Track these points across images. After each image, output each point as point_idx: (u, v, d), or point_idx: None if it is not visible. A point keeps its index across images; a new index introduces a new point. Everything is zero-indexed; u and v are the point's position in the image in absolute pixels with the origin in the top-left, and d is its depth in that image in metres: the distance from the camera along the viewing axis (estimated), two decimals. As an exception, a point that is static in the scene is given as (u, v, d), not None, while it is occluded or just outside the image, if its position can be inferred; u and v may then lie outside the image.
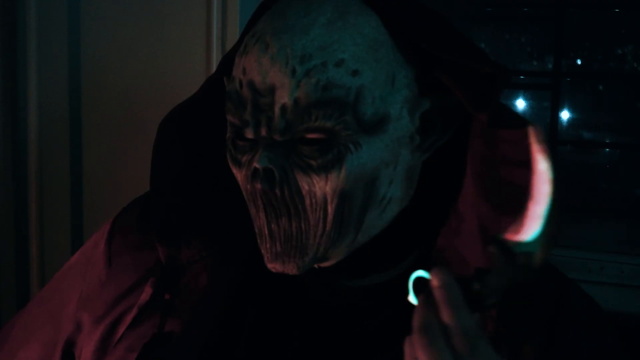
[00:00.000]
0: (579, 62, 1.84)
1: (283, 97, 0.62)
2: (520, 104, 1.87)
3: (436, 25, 0.68)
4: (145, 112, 1.41)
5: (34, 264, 1.49)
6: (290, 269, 0.65)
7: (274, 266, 0.66)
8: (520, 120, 0.64)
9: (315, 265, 0.68)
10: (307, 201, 0.64)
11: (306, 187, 0.63)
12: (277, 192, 0.63)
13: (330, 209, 0.64)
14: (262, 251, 0.66)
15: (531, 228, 0.56)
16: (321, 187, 0.63)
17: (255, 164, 0.63)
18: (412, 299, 0.57)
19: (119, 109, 1.44)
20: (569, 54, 1.81)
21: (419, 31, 0.67)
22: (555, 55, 1.76)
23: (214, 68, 1.34)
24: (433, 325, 0.55)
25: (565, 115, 1.84)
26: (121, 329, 0.73)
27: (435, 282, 0.56)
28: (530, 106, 1.90)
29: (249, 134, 0.64)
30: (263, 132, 0.63)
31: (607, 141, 1.92)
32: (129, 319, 0.73)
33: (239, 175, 0.67)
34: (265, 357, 0.70)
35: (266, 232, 0.65)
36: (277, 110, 0.62)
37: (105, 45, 1.43)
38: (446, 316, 0.54)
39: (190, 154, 0.78)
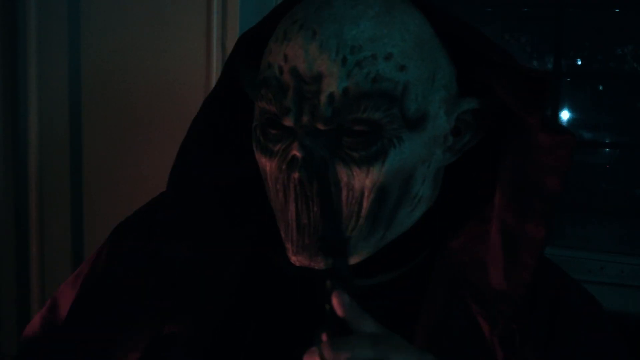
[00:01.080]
0: (579, 62, 1.84)
1: (331, 86, 0.61)
2: (520, 104, 1.87)
3: (477, 30, 0.69)
4: (145, 113, 1.41)
5: (34, 264, 1.49)
6: (317, 263, 0.65)
7: (299, 259, 0.65)
8: (562, 127, 0.65)
9: None
10: (344, 193, 0.63)
11: (345, 179, 0.63)
12: (313, 182, 0.62)
13: (365, 204, 0.64)
14: (287, 244, 0.65)
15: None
16: (361, 180, 0.62)
17: (295, 152, 0.62)
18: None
19: (119, 109, 1.44)
20: (569, 54, 1.81)
21: (465, 31, 0.67)
22: (555, 55, 1.76)
23: (214, 68, 1.34)
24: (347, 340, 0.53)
25: (565, 115, 1.84)
26: None
27: (341, 310, 0.53)
28: (530, 106, 1.89)
29: (288, 121, 0.63)
30: (305, 120, 0.62)
31: (607, 141, 1.92)
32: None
33: (268, 164, 0.66)
34: (270, 358, 0.70)
35: (295, 224, 0.64)
36: (323, 98, 0.61)
37: (105, 45, 1.43)
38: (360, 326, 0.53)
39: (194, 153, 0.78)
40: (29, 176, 1.47)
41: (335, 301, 0.54)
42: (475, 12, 1.89)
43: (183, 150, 0.77)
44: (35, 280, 1.49)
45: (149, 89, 1.41)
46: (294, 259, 0.65)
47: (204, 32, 1.35)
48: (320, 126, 0.62)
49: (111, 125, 1.45)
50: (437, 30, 0.67)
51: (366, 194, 0.63)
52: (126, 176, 1.42)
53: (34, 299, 1.50)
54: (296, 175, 0.62)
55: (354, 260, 0.68)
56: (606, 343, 0.71)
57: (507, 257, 0.66)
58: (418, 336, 0.66)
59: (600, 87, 1.88)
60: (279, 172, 0.64)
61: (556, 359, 0.67)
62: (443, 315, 0.66)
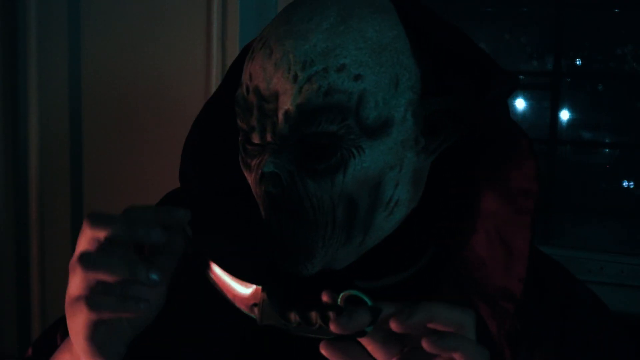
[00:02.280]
0: (578, 62, 1.84)
1: (286, 103, 0.62)
2: (520, 104, 1.87)
3: (452, 28, 0.68)
4: (145, 113, 1.41)
5: (34, 264, 1.49)
6: (299, 271, 0.66)
7: (285, 266, 0.66)
8: (512, 123, 0.65)
9: (327, 269, 0.68)
10: (315, 205, 0.64)
11: (312, 191, 0.64)
12: (284, 196, 0.64)
13: (337, 213, 0.64)
14: (272, 253, 0.66)
15: None
16: (327, 191, 0.63)
17: (262, 169, 0.63)
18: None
19: (119, 109, 1.44)
20: (568, 54, 1.81)
21: (434, 25, 0.67)
22: (555, 55, 1.76)
23: (214, 68, 1.34)
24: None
25: (564, 115, 1.84)
26: None
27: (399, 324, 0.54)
28: (530, 106, 1.90)
29: (256, 139, 0.65)
30: (269, 137, 0.64)
31: (607, 141, 1.92)
32: None
33: (249, 178, 0.68)
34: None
35: (275, 234, 0.65)
36: (280, 116, 0.62)
37: (105, 45, 1.43)
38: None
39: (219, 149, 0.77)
40: (29, 176, 1.47)
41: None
42: (475, 12, 1.89)
43: (189, 151, 0.77)
44: (35, 280, 1.49)
45: (149, 89, 1.41)
46: (281, 266, 0.66)
47: (204, 32, 1.35)
48: (282, 142, 0.63)
49: (111, 125, 1.45)
50: (408, 26, 0.66)
51: (335, 203, 0.64)
52: (126, 176, 1.42)
53: (34, 299, 1.51)
54: (266, 190, 0.64)
55: (338, 266, 0.69)
56: (615, 347, 0.71)
57: (503, 252, 0.66)
58: None
59: (600, 87, 1.88)
60: (256, 187, 0.66)
61: None
62: None
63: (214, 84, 1.35)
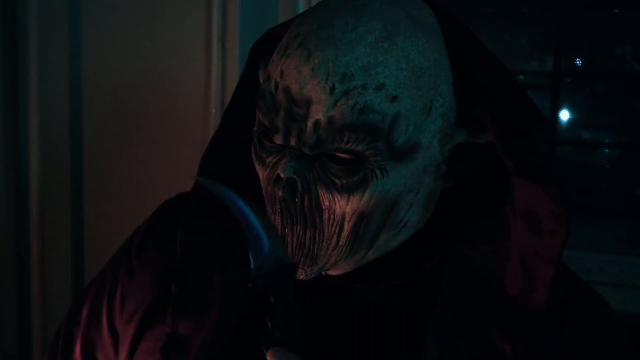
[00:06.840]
0: (578, 62, 1.84)
1: (318, 113, 0.60)
2: (520, 104, 1.87)
3: (491, 58, 0.67)
4: (145, 112, 1.41)
5: (34, 264, 1.49)
6: (298, 275, 0.66)
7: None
8: (542, 177, 0.63)
9: (323, 273, 0.68)
10: (325, 215, 0.63)
11: (326, 203, 0.63)
12: (297, 201, 0.63)
13: (346, 227, 0.64)
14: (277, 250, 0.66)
15: (261, 246, 0.61)
16: (341, 206, 0.62)
17: (280, 172, 0.62)
18: None
19: (119, 109, 1.44)
20: (568, 54, 1.82)
21: (478, 56, 0.65)
22: (555, 55, 1.77)
23: (214, 68, 1.34)
24: None
25: (564, 115, 1.84)
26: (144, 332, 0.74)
27: None
28: (530, 106, 1.90)
29: (278, 139, 0.63)
30: (292, 142, 0.62)
31: (606, 141, 1.92)
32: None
33: (261, 173, 0.66)
34: None
35: (281, 234, 0.65)
36: (309, 124, 0.61)
37: (105, 45, 1.43)
38: None
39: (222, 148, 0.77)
40: (29, 176, 1.47)
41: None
42: (475, 12, 1.89)
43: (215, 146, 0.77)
44: (35, 280, 1.49)
45: (149, 89, 1.41)
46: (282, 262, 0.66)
47: (204, 32, 1.35)
48: (306, 150, 0.62)
49: (111, 125, 1.45)
50: (450, 51, 0.64)
51: (347, 218, 0.63)
52: (126, 176, 1.42)
53: (34, 299, 1.50)
54: (280, 194, 0.63)
55: (333, 272, 0.69)
56: (616, 344, 0.71)
57: (524, 272, 0.65)
58: (428, 343, 0.66)
59: (600, 88, 1.88)
60: (268, 184, 0.65)
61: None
62: (454, 324, 0.66)
63: (214, 84, 1.35)
